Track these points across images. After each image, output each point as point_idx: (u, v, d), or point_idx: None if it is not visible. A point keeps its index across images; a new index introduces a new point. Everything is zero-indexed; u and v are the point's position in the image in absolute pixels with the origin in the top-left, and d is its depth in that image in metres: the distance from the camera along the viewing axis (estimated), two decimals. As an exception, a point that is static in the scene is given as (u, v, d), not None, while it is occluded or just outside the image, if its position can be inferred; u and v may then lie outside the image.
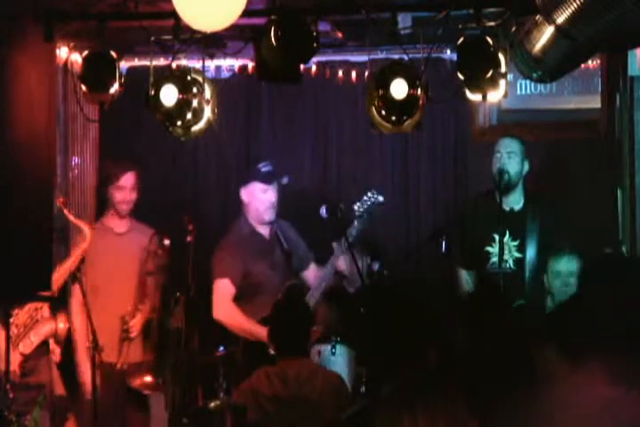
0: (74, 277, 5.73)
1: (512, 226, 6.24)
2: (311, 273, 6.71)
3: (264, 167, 6.58)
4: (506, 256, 6.21)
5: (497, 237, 6.20)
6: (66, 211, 5.94)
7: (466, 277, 6.34)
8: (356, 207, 6.47)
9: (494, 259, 6.25)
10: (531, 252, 6.21)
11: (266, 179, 6.55)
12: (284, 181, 6.59)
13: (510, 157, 6.26)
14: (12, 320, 5.55)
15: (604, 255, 4.99)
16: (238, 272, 6.46)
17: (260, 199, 6.57)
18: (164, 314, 6.45)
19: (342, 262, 6.50)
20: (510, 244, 6.25)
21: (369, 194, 6.52)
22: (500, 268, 6.10)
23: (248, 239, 6.59)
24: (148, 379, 6.28)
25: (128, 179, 6.47)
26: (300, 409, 4.99)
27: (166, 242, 6.41)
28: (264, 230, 6.66)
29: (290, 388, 5.00)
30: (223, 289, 6.45)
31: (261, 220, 6.62)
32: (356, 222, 6.45)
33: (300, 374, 5.04)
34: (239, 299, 6.48)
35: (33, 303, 5.66)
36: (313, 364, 5.29)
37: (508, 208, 6.33)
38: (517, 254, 6.25)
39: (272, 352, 5.25)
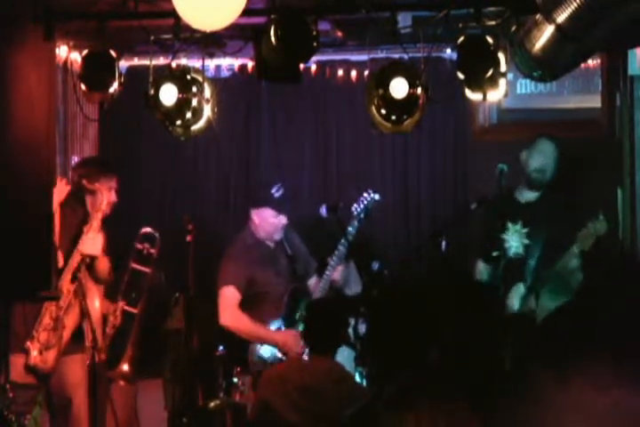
0: (73, 277, 5.71)
1: (524, 215, 6.34)
2: (313, 282, 6.71)
3: (276, 192, 6.55)
4: (516, 243, 6.32)
5: (510, 225, 6.34)
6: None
7: (481, 269, 6.43)
8: (353, 208, 6.47)
9: (506, 245, 6.37)
10: (537, 239, 6.30)
11: (279, 207, 6.53)
12: (278, 193, 6.57)
13: (549, 159, 6.41)
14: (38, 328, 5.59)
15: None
16: (243, 279, 6.46)
17: (271, 223, 6.56)
18: (162, 314, 6.44)
19: (338, 274, 6.52)
20: (521, 231, 6.34)
21: (364, 194, 6.53)
22: (511, 254, 6.31)
23: (253, 248, 6.58)
24: (125, 368, 6.25)
25: (114, 179, 6.32)
26: (325, 405, 5.00)
27: (156, 235, 6.41)
28: (269, 242, 6.66)
29: (319, 382, 5.01)
30: (229, 296, 6.45)
31: (270, 239, 6.63)
32: (355, 222, 6.45)
33: (330, 372, 5.06)
34: (244, 306, 6.47)
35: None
36: (342, 367, 5.30)
37: (524, 200, 6.41)
38: (526, 241, 6.33)
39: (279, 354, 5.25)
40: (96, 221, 5.81)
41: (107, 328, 6.23)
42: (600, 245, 6.03)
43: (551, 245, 6.23)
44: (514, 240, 6.36)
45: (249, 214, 6.64)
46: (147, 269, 6.44)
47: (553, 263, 6.16)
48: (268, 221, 6.55)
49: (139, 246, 6.47)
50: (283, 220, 6.55)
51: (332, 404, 5.00)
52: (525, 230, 6.35)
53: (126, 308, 6.36)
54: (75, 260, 5.70)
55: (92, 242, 5.78)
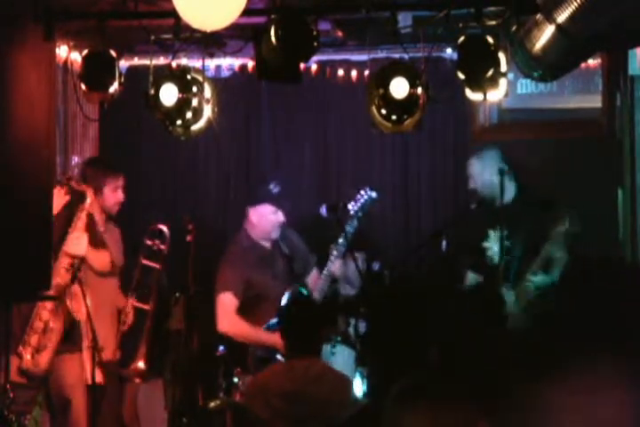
0: (73, 276, 5.70)
1: (499, 219, 6.33)
2: (313, 278, 6.71)
3: (274, 188, 6.55)
4: (496, 248, 6.32)
5: (491, 232, 6.32)
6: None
7: (471, 280, 6.43)
8: (350, 206, 6.47)
9: (489, 252, 6.35)
10: (516, 241, 6.30)
11: (278, 202, 6.53)
12: (276, 189, 6.57)
13: (474, 176, 6.49)
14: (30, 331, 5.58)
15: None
16: (240, 284, 6.46)
17: (270, 220, 6.55)
18: (163, 314, 6.44)
19: (337, 267, 6.51)
20: (500, 235, 6.34)
21: (362, 191, 6.52)
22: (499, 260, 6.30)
23: (249, 251, 6.57)
24: (141, 365, 6.26)
25: (121, 179, 6.38)
26: (307, 407, 4.99)
27: (166, 231, 6.43)
28: (265, 242, 6.65)
29: (298, 385, 5.00)
30: (226, 302, 6.45)
31: (267, 238, 6.62)
32: (354, 221, 6.45)
33: (308, 372, 5.04)
34: (242, 309, 6.47)
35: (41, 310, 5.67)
36: (322, 364, 5.29)
37: (498, 204, 6.43)
38: (506, 243, 6.33)
39: (279, 356, 5.26)
40: (80, 222, 5.79)
41: (120, 325, 6.26)
42: (596, 245, 6.05)
43: (531, 246, 6.24)
44: (495, 246, 6.35)
45: (245, 215, 6.63)
46: (156, 265, 6.46)
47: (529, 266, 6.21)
48: (266, 218, 6.54)
49: (148, 243, 6.49)
50: (280, 217, 6.55)
51: (315, 404, 4.99)
52: (505, 233, 6.35)
53: (136, 304, 6.38)
54: (62, 261, 5.68)
55: (77, 242, 5.76)
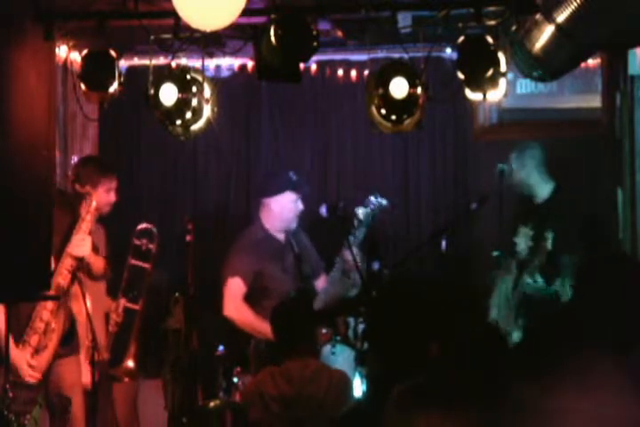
0: (74, 276, 5.70)
1: (532, 217, 6.41)
2: (321, 283, 6.71)
3: (293, 177, 6.55)
4: (523, 245, 6.35)
5: (521, 228, 6.41)
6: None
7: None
8: (360, 211, 6.44)
9: (517, 248, 6.42)
10: (541, 240, 6.34)
11: (298, 189, 6.53)
12: (294, 178, 6.57)
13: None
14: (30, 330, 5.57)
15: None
16: (250, 272, 6.46)
17: (290, 209, 6.54)
18: (159, 313, 6.44)
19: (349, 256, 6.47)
20: (528, 233, 6.36)
21: (372, 198, 6.50)
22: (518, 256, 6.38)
23: (262, 242, 6.57)
24: (130, 364, 6.26)
25: (115, 180, 6.34)
26: (306, 408, 4.99)
27: (154, 230, 6.41)
28: (279, 235, 6.65)
29: (294, 387, 5.00)
30: (234, 287, 6.45)
31: (286, 228, 6.60)
32: (361, 227, 6.43)
33: (304, 373, 5.03)
34: (249, 300, 6.47)
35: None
36: (318, 363, 5.29)
37: (535, 202, 6.56)
38: (530, 243, 6.35)
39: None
40: (85, 223, 5.78)
41: (109, 326, 6.25)
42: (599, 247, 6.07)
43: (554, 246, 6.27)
44: (523, 242, 6.39)
45: (259, 206, 6.61)
46: (146, 265, 6.44)
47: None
48: (287, 207, 6.53)
49: (137, 242, 6.47)
50: (300, 205, 6.55)
51: (313, 405, 4.99)
52: (532, 233, 6.38)
53: (127, 305, 6.36)
54: (64, 262, 5.67)
55: (81, 244, 5.74)
